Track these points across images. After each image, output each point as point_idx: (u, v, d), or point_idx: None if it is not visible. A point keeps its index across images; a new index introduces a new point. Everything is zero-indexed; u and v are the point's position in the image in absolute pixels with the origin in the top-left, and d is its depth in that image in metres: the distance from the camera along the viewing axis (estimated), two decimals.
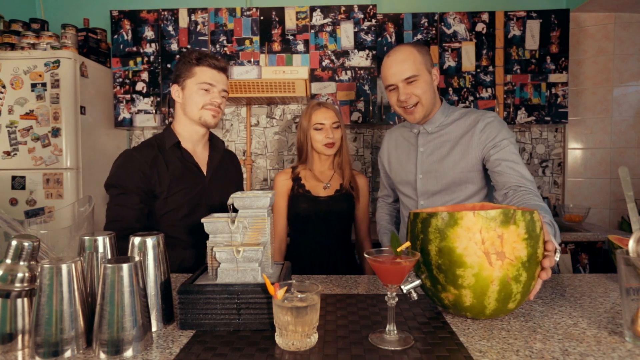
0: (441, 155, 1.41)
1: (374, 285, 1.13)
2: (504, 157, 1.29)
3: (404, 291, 0.88)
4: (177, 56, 2.62)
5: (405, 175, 1.49)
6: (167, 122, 2.63)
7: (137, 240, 0.86)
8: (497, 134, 1.33)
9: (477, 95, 2.61)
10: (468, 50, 2.62)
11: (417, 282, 0.90)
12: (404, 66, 1.35)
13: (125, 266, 0.72)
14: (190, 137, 1.45)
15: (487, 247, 0.81)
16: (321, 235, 1.67)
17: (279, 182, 1.72)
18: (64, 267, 0.71)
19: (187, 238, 1.37)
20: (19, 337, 0.75)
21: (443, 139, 1.42)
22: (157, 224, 1.36)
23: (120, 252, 0.95)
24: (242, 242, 0.91)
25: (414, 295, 0.90)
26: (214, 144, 1.54)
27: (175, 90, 1.43)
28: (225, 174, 1.53)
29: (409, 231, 0.93)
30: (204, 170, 1.46)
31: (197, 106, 1.40)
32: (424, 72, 1.37)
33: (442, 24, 2.62)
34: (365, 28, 2.58)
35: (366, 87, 2.58)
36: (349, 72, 2.58)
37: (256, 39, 2.59)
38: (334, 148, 1.67)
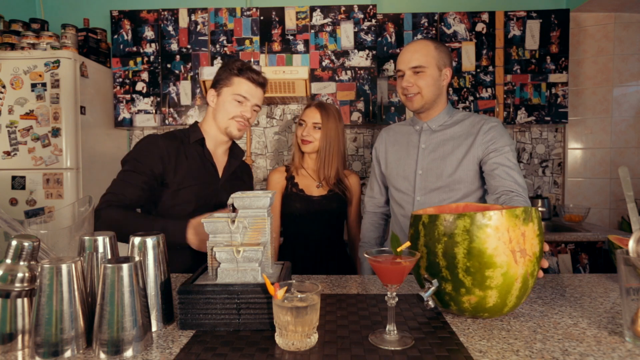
0: (444, 153, 1.42)
1: (374, 285, 1.13)
2: (502, 162, 1.33)
3: (425, 298, 0.85)
4: (178, 56, 2.62)
5: (404, 171, 1.50)
6: (167, 122, 2.63)
7: (137, 240, 0.86)
8: (500, 139, 1.36)
9: (477, 95, 2.61)
10: (468, 50, 2.62)
11: (435, 287, 0.86)
12: (415, 55, 1.41)
13: (125, 266, 0.72)
14: (215, 139, 1.47)
15: (513, 246, 0.82)
16: (314, 234, 1.69)
17: (273, 181, 1.75)
18: (64, 267, 0.71)
19: None
20: (19, 337, 0.74)
21: (446, 137, 1.44)
22: (165, 216, 1.35)
23: (99, 220, 1.15)
24: (242, 242, 0.91)
25: (431, 303, 0.87)
26: (235, 152, 1.55)
27: (211, 95, 1.45)
28: (238, 182, 1.54)
29: (422, 235, 0.89)
30: (220, 173, 1.47)
31: (227, 115, 1.41)
32: (432, 67, 1.40)
33: (442, 24, 2.62)
34: (365, 28, 2.58)
35: (366, 87, 2.58)
36: (349, 72, 2.58)
37: (256, 39, 2.59)
38: (309, 146, 1.69)
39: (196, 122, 1.50)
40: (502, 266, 0.81)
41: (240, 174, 1.57)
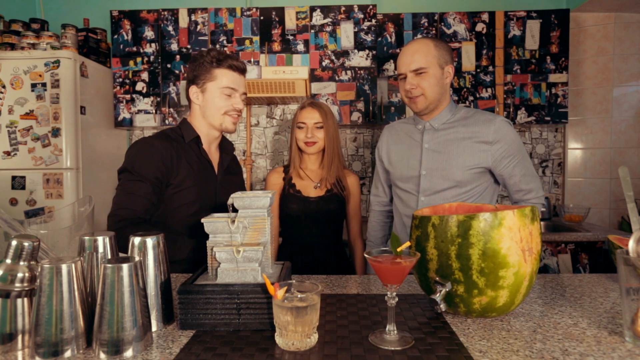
0: (449, 153, 1.41)
1: (374, 285, 1.13)
2: (522, 188, 1.41)
3: (438, 302, 0.85)
4: (178, 56, 2.62)
5: (407, 171, 1.49)
6: (167, 122, 2.63)
7: (137, 240, 0.86)
8: (510, 146, 1.38)
9: (477, 95, 2.61)
10: (468, 50, 2.62)
11: (446, 289, 0.86)
12: (415, 57, 1.39)
13: (125, 266, 0.72)
14: (207, 136, 1.44)
15: (524, 245, 0.83)
16: (312, 234, 1.68)
17: (271, 182, 1.75)
18: (64, 267, 0.71)
19: (197, 234, 1.36)
20: (19, 337, 0.74)
21: (450, 137, 1.42)
22: (168, 217, 1.34)
23: (123, 242, 0.93)
24: (242, 242, 0.91)
25: (443, 307, 0.87)
26: (225, 146, 1.53)
27: (194, 92, 1.39)
28: (232, 177, 1.54)
29: (433, 237, 0.88)
30: (215, 170, 1.46)
31: (219, 111, 1.37)
32: (433, 67, 1.38)
33: (442, 24, 2.62)
34: (365, 28, 2.58)
35: (366, 87, 2.58)
36: (349, 72, 2.58)
37: (256, 39, 2.59)
38: (314, 147, 1.67)
39: (185, 119, 1.43)
40: (514, 265, 0.82)
41: (231, 167, 1.55)
